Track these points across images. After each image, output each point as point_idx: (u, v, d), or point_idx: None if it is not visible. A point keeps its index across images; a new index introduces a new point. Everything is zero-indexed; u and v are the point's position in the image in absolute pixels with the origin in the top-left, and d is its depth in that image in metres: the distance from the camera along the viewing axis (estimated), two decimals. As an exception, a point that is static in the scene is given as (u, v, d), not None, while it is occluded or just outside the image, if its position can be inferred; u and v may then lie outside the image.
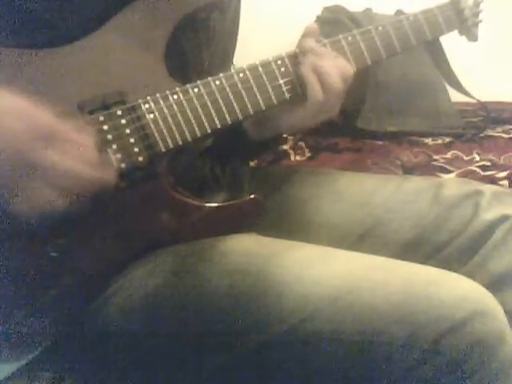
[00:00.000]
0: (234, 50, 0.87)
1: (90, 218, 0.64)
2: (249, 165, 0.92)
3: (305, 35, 0.79)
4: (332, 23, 1.74)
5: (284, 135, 0.85)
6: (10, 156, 0.57)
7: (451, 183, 0.86)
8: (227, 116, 0.72)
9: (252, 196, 0.74)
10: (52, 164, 0.58)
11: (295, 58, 0.77)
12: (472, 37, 0.97)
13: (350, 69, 0.78)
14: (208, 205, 0.73)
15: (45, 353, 0.68)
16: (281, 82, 0.76)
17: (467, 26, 0.94)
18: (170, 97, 0.69)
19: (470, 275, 0.68)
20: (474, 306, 0.62)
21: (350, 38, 0.81)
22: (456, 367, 0.60)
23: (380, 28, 0.83)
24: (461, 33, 0.96)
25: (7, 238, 0.64)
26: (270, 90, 0.75)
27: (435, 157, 1.44)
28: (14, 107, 0.58)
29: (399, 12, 1.78)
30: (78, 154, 0.60)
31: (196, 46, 0.77)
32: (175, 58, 0.72)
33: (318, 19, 1.82)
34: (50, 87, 0.60)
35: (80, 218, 0.64)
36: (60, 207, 0.59)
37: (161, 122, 0.69)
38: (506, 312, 0.64)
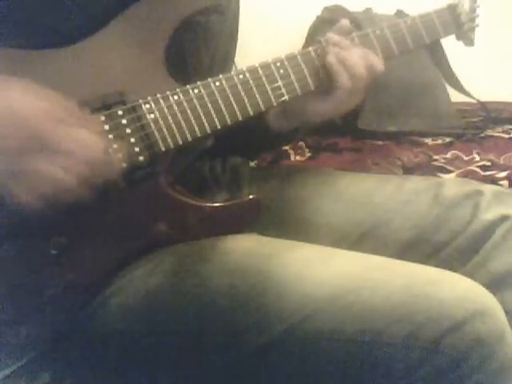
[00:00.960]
0: (234, 51, 0.87)
1: (91, 216, 0.64)
2: (249, 165, 0.92)
3: (335, 30, 0.81)
4: (332, 23, 1.74)
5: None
6: (20, 136, 0.57)
7: (451, 183, 0.86)
8: (227, 116, 0.72)
9: (251, 196, 0.75)
10: (60, 144, 0.58)
11: (316, 52, 0.79)
12: (468, 41, 0.98)
13: (379, 63, 0.80)
14: (208, 205, 0.73)
15: (45, 353, 0.68)
16: (280, 83, 0.76)
17: (464, 30, 0.95)
18: (170, 97, 0.69)
19: (470, 275, 0.68)
20: (473, 305, 0.62)
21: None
22: (456, 367, 0.60)
23: (378, 31, 0.84)
24: (458, 38, 0.97)
25: (7, 236, 0.64)
26: (270, 92, 0.75)
27: (435, 157, 1.44)
28: (26, 87, 0.59)
29: (399, 12, 1.78)
30: (86, 136, 0.60)
31: (196, 47, 0.77)
32: (175, 59, 0.72)
33: (318, 19, 1.82)
34: (51, 88, 0.60)
35: (80, 216, 0.64)
36: (65, 189, 0.59)
37: (161, 122, 0.69)
38: (505, 312, 0.64)
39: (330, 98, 0.79)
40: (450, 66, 1.70)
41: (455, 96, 1.76)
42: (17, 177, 0.58)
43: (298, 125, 0.86)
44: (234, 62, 0.87)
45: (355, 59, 0.78)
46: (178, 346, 0.68)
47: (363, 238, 0.83)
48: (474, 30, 0.97)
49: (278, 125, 0.85)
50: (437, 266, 0.69)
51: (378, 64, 0.80)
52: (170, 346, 0.68)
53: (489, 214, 0.79)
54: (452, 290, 0.63)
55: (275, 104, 0.76)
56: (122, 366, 0.71)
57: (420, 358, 0.61)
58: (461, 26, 0.94)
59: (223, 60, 0.82)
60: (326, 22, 1.77)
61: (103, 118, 0.66)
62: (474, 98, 1.71)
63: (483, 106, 1.71)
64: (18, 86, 0.59)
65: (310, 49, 0.79)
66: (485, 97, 1.75)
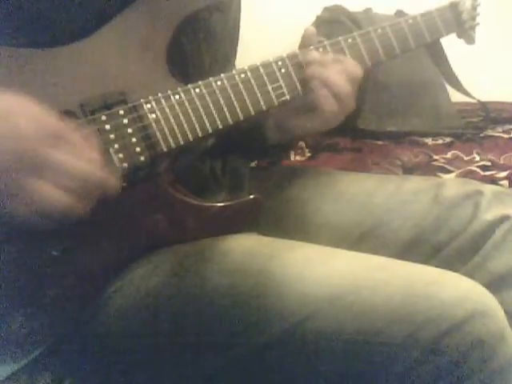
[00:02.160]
0: (235, 50, 0.87)
1: (92, 217, 0.64)
2: (249, 165, 0.92)
3: (303, 39, 0.79)
4: (332, 23, 1.75)
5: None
6: (18, 154, 0.57)
7: (451, 183, 0.86)
8: (228, 116, 0.72)
9: (252, 196, 0.75)
10: (59, 163, 0.58)
11: (299, 68, 0.77)
12: (469, 40, 0.98)
13: (357, 69, 0.79)
14: (208, 205, 0.73)
15: (45, 353, 0.68)
16: (281, 82, 0.76)
17: (465, 28, 0.95)
18: (171, 97, 0.69)
19: (470, 275, 0.68)
20: (473, 305, 0.61)
21: (349, 40, 0.81)
22: (456, 367, 0.60)
23: (379, 30, 0.83)
24: (459, 36, 0.97)
25: (9, 238, 0.64)
26: (271, 91, 0.75)
27: (435, 157, 1.44)
28: (21, 106, 0.58)
29: (399, 12, 1.78)
30: (83, 154, 0.60)
31: (197, 46, 0.77)
32: (176, 58, 0.72)
33: (318, 19, 1.82)
34: (52, 87, 0.60)
35: (81, 218, 0.64)
36: (64, 207, 0.59)
37: (163, 122, 0.69)
38: (505, 312, 0.64)
39: (317, 117, 0.79)
40: (450, 66, 1.70)
41: (455, 96, 1.76)
42: (8, 195, 0.57)
43: (289, 138, 0.86)
44: (234, 62, 0.87)
45: (337, 79, 0.76)
46: (177, 346, 0.68)
47: (363, 238, 0.83)
48: (475, 28, 0.97)
49: (274, 137, 0.85)
50: (437, 266, 0.69)
51: (359, 71, 0.79)
52: (170, 346, 0.68)
53: (489, 214, 0.79)
54: (452, 290, 0.63)
55: (276, 103, 0.76)
56: (122, 366, 0.71)
57: (420, 358, 0.61)
58: (462, 24, 0.94)
59: (224, 59, 0.82)
60: (325, 22, 1.77)
61: (104, 118, 0.66)
62: (474, 98, 1.71)
63: (483, 105, 1.71)
64: (14, 101, 0.58)
65: (311, 48, 0.79)
66: (485, 97, 1.75)
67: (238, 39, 0.87)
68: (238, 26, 0.87)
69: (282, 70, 0.76)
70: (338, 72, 0.77)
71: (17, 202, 0.58)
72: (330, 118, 0.79)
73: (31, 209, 0.58)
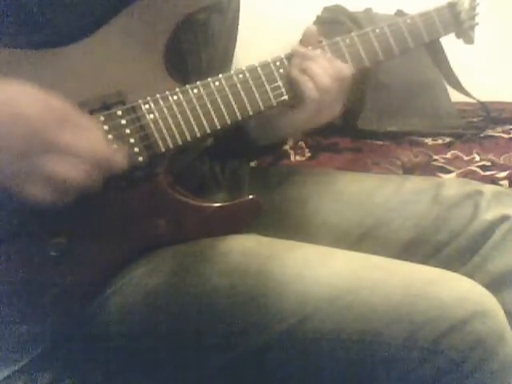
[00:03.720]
0: (233, 50, 0.87)
1: (90, 217, 0.64)
2: (249, 165, 0.92)
3: (303, 38, 0.79)
4: (332, 23, 1.75)
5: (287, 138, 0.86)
6: (27, 137, 0.57)
7: (451, 183, 0.86)
8: (226, 116, 0.72)
9: (251, 197, 0.74)
10: (66, 142, 0.59)
11: (289, 61, 0.78)
12: (468, 40, 0.98)
13: (344, 69, 0.78)
14: (207, 205, 0.73)
15: (45, 353, 0.68)
16: (279, 83, 0.76)
17: (464, 28, 0.95)
18: (169, 97, 0.69)
19: (470, 275, 0.68)
20: (473, 306, 0.61)
21: (347, 40, 0.81)
22: (456, 367, 0.60)
23: (377, 30, 0.84)
24: (458, 36, 0.97)
25: (7, 238, 0.64)
26: (269, 91, 0.75)
27: (435, 157, 1.44)
28: (26, 92, 0.59)
29: (399, 12, 1.78)
30: (89, 133, 0.61)
31: (195, 47, 0.77)
32: (175, 58, 0.72)
33: (318, 19, 1.82)
34: (50, 87, 0.60)
35: (80, 217, 0.64)
36: (75, 184, 0.59)
37: (161, 123, 0.69)
38: (505, 312, 0.64)
39: (302, 110, 0.78)
40: (450, 66, 1.69)
41: (455, 96, 1.75)
42: (22, 176, 0.58)
43: (275, 139, 0.86)
44: (232, 62, 0.87)
45: (318, 69, 0.76)
46: (177, 346, 0.68)
47: (363, 238, 0.83)
48: (474, 28, 0.97)
49: (263, 138, 0.85)
50: (437, 266, 0.69)
51: (346, 71, 0.78)
52: (169, 346, 0.68)
53: (489, 214, 0.79)
54: (452, 290, 0.63)
55: (275, 104, 0.76)
56: (122, 366, 0.71)
57: (420, 358, 0.61)
58: (461, 24, 0.94)
59: (222, 60, 0.82)
60: (325, 22, 1.77)
61: (102, 119, 0.66)
62: (474, 98, 1.70)
63: (483, 105, 1.71)
64: (20, 87, 0.59)
65: (309, 48, 0.79)
66: (485, 97, 1.74)
67: (236, 39, 0.87)
68: (237, 26, 0.87)
69: (281, 71, 0.77)
70: (323, 66, 0.77)
71: (30, 182, 0.58)
72: (312, 112, 0.78)
73: (44, 188, 0.59)
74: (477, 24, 0.97)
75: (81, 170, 0.59)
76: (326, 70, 0.77)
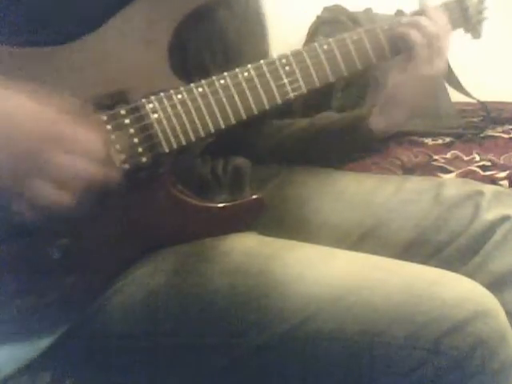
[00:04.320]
0: (246, 47, 0.83)
1: (93, 218, 0.64)
2: (250, 164, 0.91)
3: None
4: (332, 23, 1.74)
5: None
6: (21, 156, 0.57)
7: (451, 183, 0.86)
8: (231, 115, 0.71)
9: (255, 196, 0.74)
10: (60, 163, 0.58)
11: (322, 47, 0.78)
12: (476, 34, 0.97)
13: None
14: (211, 205, 0.73)
15: (45, 353, 0.68)
16: (285, 80, 0.75)
17: (472, 23, 0.94)
18: (174, 96, 0.68)
19: (471, 275, 0.68)
20: (474, 306, 0.61)
21: (355, 37, 0.80)
22: (457, 367, 0.60)
23: (386, 27, 0.82)
24: (466, 30, 0.96)
25: (9, 239, 0.63)
26: (275, 89, 0.74)
27: (435, 157, 1.44)
28: (23, 107, 0.58)
29: (399, 12, 1.77)
30: (85, 154, 0.60)
31: (200, 44, 0.76)
32: (178, 56, 0.71)
33: (318, 19, 1.82)
34: (53, 86, 0.60)
35: (83, 218, 0.64)
36: (65, 207, 0.59)
37: (165, 122, 0.68)
38: (506, 312, 0.64)
39: (410, 63, 0.81)
40: (450, 66, 1.70)
41: (455, 96, 1.76)
42: (18, 195, 0.58)
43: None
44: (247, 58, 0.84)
45: (425, 21, 0.81)
46: (178, 346, 0.68)
47: (364, 238, 0.83)
48: (482, 23, 0.97)
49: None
50: (437, 266, 0.69)
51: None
52: (170, 346, 0.68)
53: (489, 215, 0.79)
54: (453, 290, 0.63)
55: (280, 102, 0.75)
56: (123, 366, 0.71)
57: (421, 358, 0.61)
58: (469, 19, 0.93)
59: (231, 57, 0.81)
60: (326, 22, 1.77)
61: (105, 118, 0.66)
62: (474, 98, 1.71)
63: (483, 105, 1.71)
64: (16, 102, 0.58)
65: (316, 44, 0.77)
66: (485, 97, 1.75)
67: (250, 35, 0.84)
68: (250, 22, 0.84)
69: (286, 68, 0.75)
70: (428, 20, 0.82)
71: (21, 201, 0.58)
72: (421, 56, 0.80)
73: (35, 208, 0.58)
74: (486, 18, 0.97)
75: (72, 191, 0.59)
76: (432, 22, 0.81)
